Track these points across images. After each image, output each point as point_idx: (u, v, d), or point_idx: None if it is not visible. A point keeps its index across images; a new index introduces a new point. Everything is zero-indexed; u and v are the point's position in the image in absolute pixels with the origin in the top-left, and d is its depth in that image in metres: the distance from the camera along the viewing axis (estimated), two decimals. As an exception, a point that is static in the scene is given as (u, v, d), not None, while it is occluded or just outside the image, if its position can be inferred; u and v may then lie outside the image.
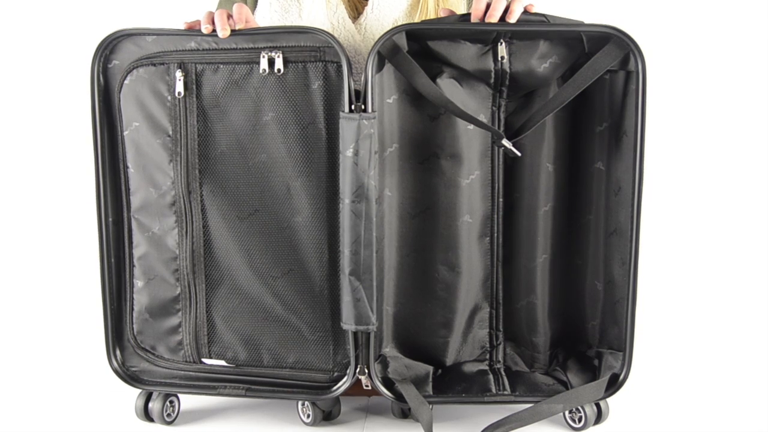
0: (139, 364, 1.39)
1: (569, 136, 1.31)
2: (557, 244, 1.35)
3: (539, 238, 1.34)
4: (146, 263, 1.35)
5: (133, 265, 1.36)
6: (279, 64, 1.25)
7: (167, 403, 1.38)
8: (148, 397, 1.38)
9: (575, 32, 1.19)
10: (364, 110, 1.22)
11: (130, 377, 1.38)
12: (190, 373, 1.38)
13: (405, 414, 1.37)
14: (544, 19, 1.18)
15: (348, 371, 1.31)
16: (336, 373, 1.34)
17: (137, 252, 1.35)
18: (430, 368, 1.37)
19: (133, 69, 1.30)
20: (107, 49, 1.30)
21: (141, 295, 1.36)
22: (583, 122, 1.30)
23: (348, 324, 1.28)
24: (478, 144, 1.31)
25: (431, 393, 1.32)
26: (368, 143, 1.22)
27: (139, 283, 1.36)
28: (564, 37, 1.21)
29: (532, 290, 1.36)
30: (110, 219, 1.34)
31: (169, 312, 1.36)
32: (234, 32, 1.26)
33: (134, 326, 1.37)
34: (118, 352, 1.38)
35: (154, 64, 1.30)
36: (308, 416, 1.37)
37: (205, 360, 1.37)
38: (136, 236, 1.35)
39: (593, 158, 1.30)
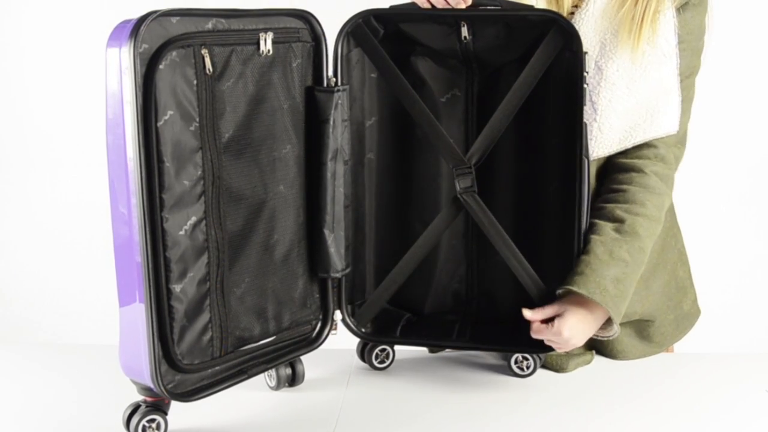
0: (174, 377, 1.27)
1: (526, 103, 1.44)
2: (527, 205, 1.49)
3: (509, 201, 1.50)
4: (182, 265, 1.24)
5: (170, 270, 1.23)
6: (269, 44, 1.35)
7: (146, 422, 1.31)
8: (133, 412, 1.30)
9: (525, 16, 1.39)
10: (336, 84, 1.43)
11: (171, 394, 1.26)
12: (216, 368, 1.32)
13: (363, 357, 1.55)
14: (498, 5, 1.41)
15: (327, 316, 1.49)
16: (317, 322, 1.49)
17: (173, 255, 1.23)
18: (406, 314, 1.56)
19: (166, 53, 1.19)
20: (142, 32, 1.16)
21: (177, 302, 1.24)
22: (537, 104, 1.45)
23: (323, 272, 1.47)
24: (455, 113, 1.51)
25: (397, 335, 1.52)
26: (339, 112, 1.43)
27: (176, 289, 1.24)
28: (517, 21, 1.41)
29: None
30: (147, 228, 1.19)
31: (200, 310, 1.28)
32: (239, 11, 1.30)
33: (175, 338, 1.25)
34: (160, 376, 1.23)
35: (183, 47, 1.21)
36: (273, 379, 1.47)
37: (229, 350, 1.34)
38: (171, 237, 1.23)
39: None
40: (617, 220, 1.42)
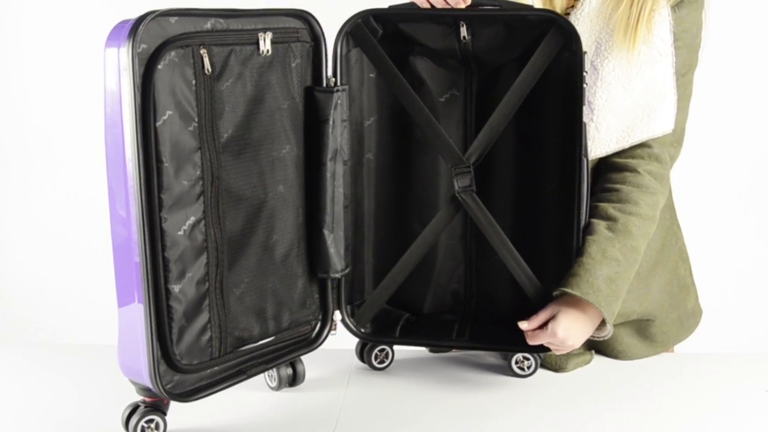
0: (173, 378, 1.27)
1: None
2: (525, 205, 1.50)
3: (508, 201, 1.50)
4: (181, 265, 1.24)
5: (169, 271, 1.23)
6: (268, 44, 1.34)
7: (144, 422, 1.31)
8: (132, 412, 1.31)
9: (524, 16, 1.39)
10: (335, 84, 1.42)
11: (170, 394, 1.26)
12: (215, 368, 1.32)
13: (362, 357, 1.55)
14: (497, 4, 1.41)
15: (327, 316, 1.49)
16: (317, 322, 1.49)
17: (171, 255, 1.23)
18: (405, 314, 1.56)
19: (165, 53, 1.19)
20: (141, 32, 1.16)
21: (176, 302, 1.24)
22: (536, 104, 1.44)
23: (323, 273, 1.46)
24: (454, 113, 1.51)
25: (396, 335, 1.52)
26: (339, 112, 1.43)
27: (175, 289, 1.24)
28: (516, 21, 1.39)
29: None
30: (146, 228, 1.19)
31: (199, 310, 1.28)
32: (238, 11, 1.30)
33: (173, 338, 1.25)
34: (158, 376, 1.23)
35: (182, 47, 1.21)
36: (274, 380, 1.47)
37: (228, 350, 1.34)
38: (170, 237, 1.23)
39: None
40: (610, 219, 1.42)
